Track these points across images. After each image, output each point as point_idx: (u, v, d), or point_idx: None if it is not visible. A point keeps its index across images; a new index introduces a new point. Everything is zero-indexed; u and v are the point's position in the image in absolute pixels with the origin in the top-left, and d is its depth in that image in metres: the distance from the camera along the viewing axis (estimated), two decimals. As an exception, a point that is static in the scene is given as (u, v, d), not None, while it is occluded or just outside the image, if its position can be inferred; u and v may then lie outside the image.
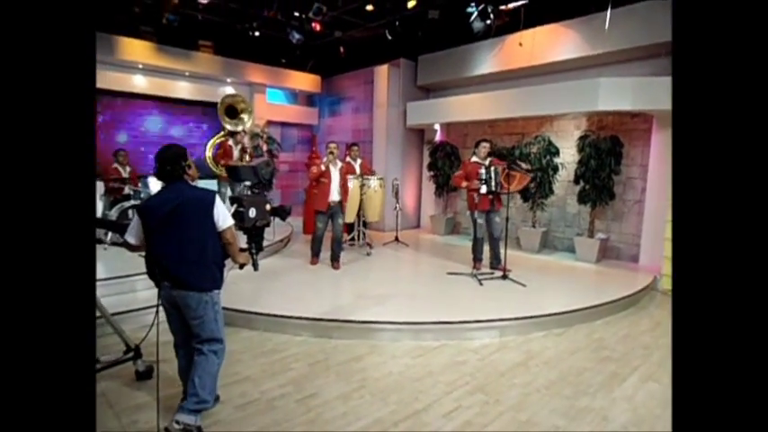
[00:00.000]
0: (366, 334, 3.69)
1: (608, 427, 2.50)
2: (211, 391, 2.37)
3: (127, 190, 5.91)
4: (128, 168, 6.19)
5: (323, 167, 5.25)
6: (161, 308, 2.37)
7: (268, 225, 2.78)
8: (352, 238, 6.72)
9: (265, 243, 5.95)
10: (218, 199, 2.34)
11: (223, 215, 2.35)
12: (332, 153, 5.28)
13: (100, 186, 5.86)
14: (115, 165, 6.09)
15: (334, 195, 5.30)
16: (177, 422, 2.25)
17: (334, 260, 5.42)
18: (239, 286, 4.49)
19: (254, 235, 2.69)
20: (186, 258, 2.26)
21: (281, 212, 2.86)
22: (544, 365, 3.25)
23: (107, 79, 7.33)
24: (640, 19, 5.38)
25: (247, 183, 2.93)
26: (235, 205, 2.61)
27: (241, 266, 2.58)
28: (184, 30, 7.34)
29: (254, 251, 2.68)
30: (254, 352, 3.35)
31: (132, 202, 5.39)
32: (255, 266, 2.71)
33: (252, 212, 2.60)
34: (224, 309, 3.81)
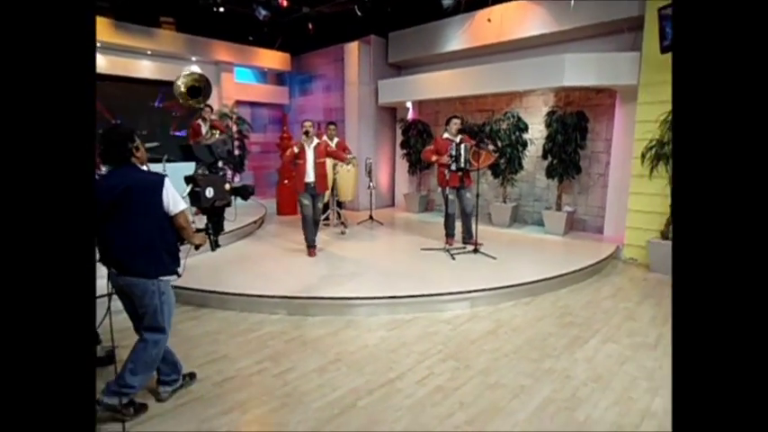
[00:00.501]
0: (342, 310, 3.76)
1: (570, 384, 2.67)
2: (142, 378, 2.33)
3: (91, 174, 5.72)
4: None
5: (296, 149, 4.99)
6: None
7: (229, 205, 2.72)
8: (327, 218, 6.73)
9: (240, 224, 5.95)
10: (167, 182, 2.25)
11: (174, 199, 2.26)
12: (307, 132, 5.03)
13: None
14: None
15: (311, 176, 5.06)
16: (99, 402, 2.23)
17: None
18: (214, 267, 4.48)
19: (213, 215, 2.63)
20: (132, 244, 2.20)
21: (243, 192, 2.77)
22: (512, 332, 3.41)
23: (63, 58, 6.97)
24: (604, -5, 5.47)
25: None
26: (190, 185, 2.53)
27: (197, 247, 2.51)
28: (144, 5, 7.03)
29: (210, 231, 2.62)
30: (231, 332, 3.39)
31: (97, 186, 5.24)
32: (213, 247, 2.65)
33: (209, 192, 2.52)
34: (199, 291, 3.84)
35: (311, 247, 5.13)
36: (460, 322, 3.60)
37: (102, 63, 7.55)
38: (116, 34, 7.23)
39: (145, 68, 8.06)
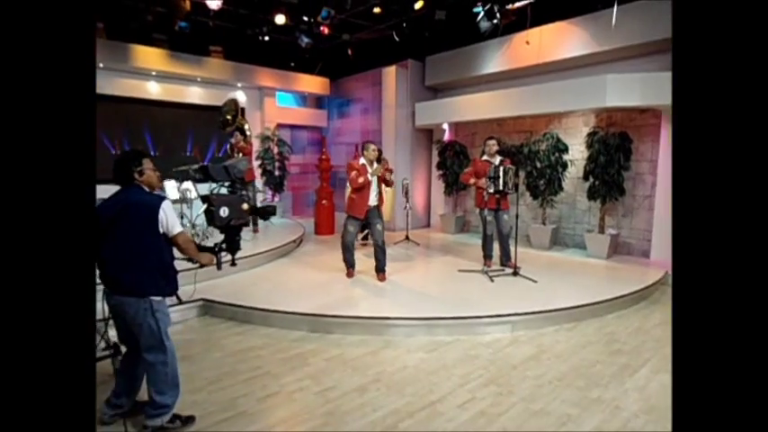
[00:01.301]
0: (380, 330, 3.77)
1: (620, 415, 2.55)
2: (172, 395, 2.38)
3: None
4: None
5: (370, 177, 4.74)
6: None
7: (246, 225, 2.73)
8: (365, 237, 6.81)
9: (279, 244, 6.09)
10: (164, 204, 2.29)
11: (171, 221, 2.31)
12: (379, 159, 4.85)
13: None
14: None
15: (373, 200, 4.85)
16: (145, 427, 2.34)
17: (380, 271, 4.96)
18: (255, 285, 4.62)
19: (229, 234, 2.63)
20: (124, 263, 2.25)
21: (264, 212, 2.78)
22: (556, 359, 3.31)
23: (122, 86, 7.54)
24: (646, 15, 5.40)
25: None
26: (205, 204, 2.56)
27: (201, 266, 2.56)
28: (196, 36, 7.51)
29: (217, 250, 2.62)
30: (273, 348, 3.45)
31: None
32: (219, 266, 2.63)
33: (223, 211, 2.52)
34: (243, 307, 3.96)
35: (350, 268, 5.11)
36: (501, 346, 3.53)
37: (158, 90, 8.08)
38: (170, 63, 7.74)
39: (194, 94, 8.54)
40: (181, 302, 2.47)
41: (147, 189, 2.38)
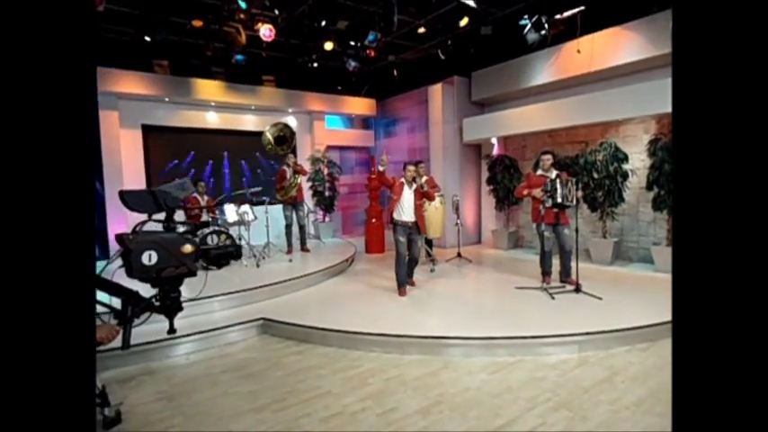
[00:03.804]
0: (437, 350, 3.69)
1: (712, 447, 2.32)
2: None
3: (205, 217, 6.39)
4: (206, 197, 6.69)
5: (405, 188, 5.06)
6: None
7: (192, 274, 1.84)
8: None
9: (332, 263, 6.16)
10: None
11: None
12: (414, 179, 5.08)
13: (181, 215, 6.41)
14: (195, 194, 6.61)
15: (409, 215, 5.06)
16: None
17: (409, 276, 5.33)
18: (311, 305, 4.69)
19: (163, 288, 1.84)
20: None
21: (220, 257, 2.04)
22: (631, 382, 3.08)
23: (185, 118, 8.07)
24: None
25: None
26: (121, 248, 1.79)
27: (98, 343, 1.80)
28: (250, 67, 7.94)
29: (129, 315, 1.80)
30: (332, 367, 3.47)
31: (211, 228, 5.79)
32: (125, 343, 1.78)
33: (148, 258, 1.71)
34: (302, 326, 4.03)
35: (402, 287, 5.05)
36: (569, 368, 3.34)
37: (216, 119, 8.58)
38: (227, 94, 8.23)
39: (249, 122, 8.99)
40: None
41: None
